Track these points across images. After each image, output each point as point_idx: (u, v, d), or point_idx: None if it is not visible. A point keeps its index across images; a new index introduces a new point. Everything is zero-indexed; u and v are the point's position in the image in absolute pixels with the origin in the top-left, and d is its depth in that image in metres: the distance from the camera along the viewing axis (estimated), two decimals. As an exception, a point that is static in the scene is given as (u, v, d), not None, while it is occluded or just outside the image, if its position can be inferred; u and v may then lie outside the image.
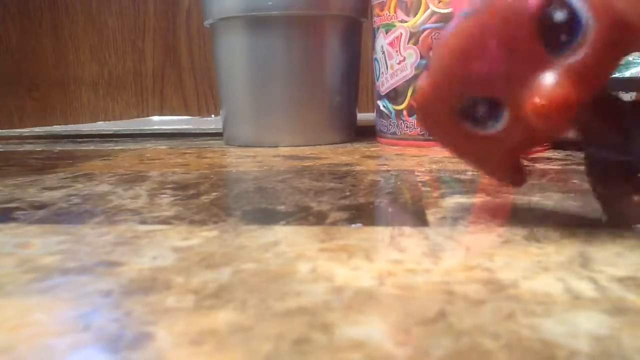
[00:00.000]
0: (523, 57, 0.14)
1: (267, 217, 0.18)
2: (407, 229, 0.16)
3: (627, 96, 0.37)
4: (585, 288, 0.11)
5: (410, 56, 0.39)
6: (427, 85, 0.15)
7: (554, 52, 0.14)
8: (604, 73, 0.14)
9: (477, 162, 0.17)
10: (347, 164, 0.32)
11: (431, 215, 0.18)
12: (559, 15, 0.13)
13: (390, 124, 0.42)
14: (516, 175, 0.17)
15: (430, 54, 0.16)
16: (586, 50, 0.13)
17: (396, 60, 0.40)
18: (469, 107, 0.15)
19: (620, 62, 0.16)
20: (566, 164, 0.29)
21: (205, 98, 0.91)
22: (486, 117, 0.15)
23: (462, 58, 0.14)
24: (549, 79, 0.14)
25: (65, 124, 0.89)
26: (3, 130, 0.62)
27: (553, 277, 0.12)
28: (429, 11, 0.37)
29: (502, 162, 0.16)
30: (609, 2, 0.13)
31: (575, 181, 0.24)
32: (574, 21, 0.13)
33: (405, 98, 0.40)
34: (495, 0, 0.14)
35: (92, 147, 0.48)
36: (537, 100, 0.14)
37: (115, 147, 0.47)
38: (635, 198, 0.15)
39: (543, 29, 0.13)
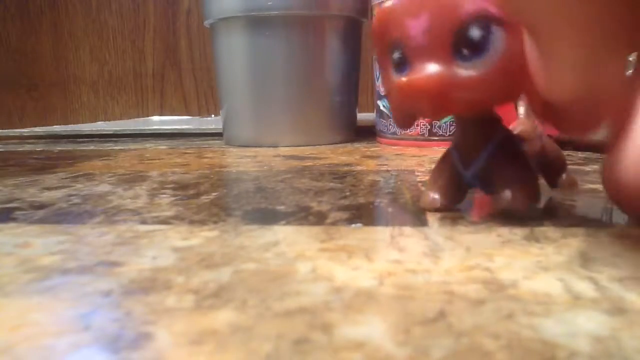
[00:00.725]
0: (434, 42, 0.15)
1: (267, 217, 0.18)
2: (407, 229, 0.16)
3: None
4: (585, 288, 0.11)
5: (410, 56, 0.39)
6: (380, 14, 0.17)
7: (457, 53, 0.15)
8: (481, 98, 0.15)
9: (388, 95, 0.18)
10: (347, 164, 0.31)
11: (431, 215, 0.18)
12: (475, 34, 0.14)
13: (390, 124, 0.42)
14: (402, 123, 0.18)
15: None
16: (473, 73, 0.15)
17: (396, 60, 0.40)
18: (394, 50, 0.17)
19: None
20: (566, 164, 0.29)
21: (205, 98, 0.91)
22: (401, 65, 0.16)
23: (398, 13, 0.16)
24: (432, 68, 0.15)
25: (65, 124, 0.89)
26: (3, 130, 0.62)
27: (553, 277, 0.12)
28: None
29: (398, 107, 0.18)
30: (529, 61, 0.13)
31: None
32: (483, 45, 0.14)
33: (405, 98, 0.40)
34: None
35: (92, 147, 0.48)
36: (406, 77, 0.15)
37: (115, 147, 0.47)
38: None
39: (460, 34, 0.15)
